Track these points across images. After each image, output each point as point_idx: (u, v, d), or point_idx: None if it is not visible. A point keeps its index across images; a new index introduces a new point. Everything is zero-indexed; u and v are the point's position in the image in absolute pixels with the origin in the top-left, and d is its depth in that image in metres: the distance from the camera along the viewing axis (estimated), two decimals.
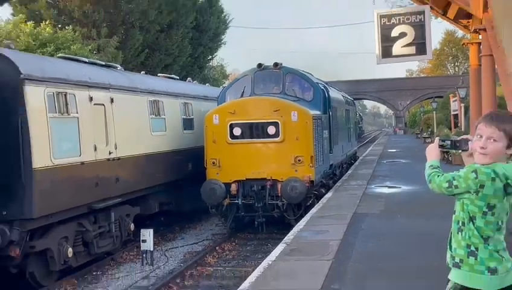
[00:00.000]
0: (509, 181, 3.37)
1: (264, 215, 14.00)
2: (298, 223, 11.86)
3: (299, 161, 13.73)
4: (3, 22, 24.62)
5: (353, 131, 27.71)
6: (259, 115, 13.95)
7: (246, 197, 13.96)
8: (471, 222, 3.46)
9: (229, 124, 13.94)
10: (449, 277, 3.58)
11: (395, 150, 36.60)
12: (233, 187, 13.82)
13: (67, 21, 28.18)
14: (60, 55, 14.64)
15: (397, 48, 11.01)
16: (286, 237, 10.53)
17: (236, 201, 13.91)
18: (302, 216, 12.82)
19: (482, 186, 3.38)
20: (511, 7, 8.06)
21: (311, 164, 13.90)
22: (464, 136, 3.65)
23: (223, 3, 41.57)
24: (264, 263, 8.72)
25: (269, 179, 13.73)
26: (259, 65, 15.83)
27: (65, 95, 11.08)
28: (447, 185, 3.49)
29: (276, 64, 15.77)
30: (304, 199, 13.70)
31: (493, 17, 9.32)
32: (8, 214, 9.62)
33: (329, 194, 16.06)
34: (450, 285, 3.55)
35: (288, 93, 15.67)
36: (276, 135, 13.79)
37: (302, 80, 16.47)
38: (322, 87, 16.83)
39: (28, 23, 22.79)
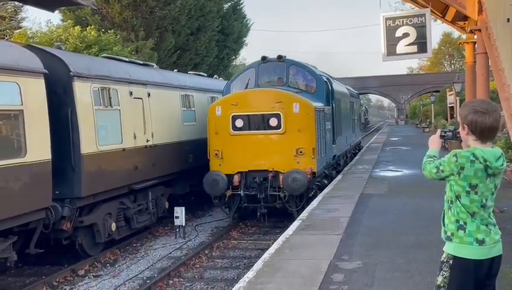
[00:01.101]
0: (487, 163, 3.36)
1: (266, 206, 12.62)
2: (311, 203, 11.81)
3: (301, 152, 12.37)
4: (54, 26, 24.82)
5: (357, 122, 25.62)
6: (261, 107, 12.61)
7: (248, 188, 12.57)
8: (457, 200, 3.48)
9: (231, 116, 12.61)
10: (443, 249, 3.59)
11: (397, 139, 36.29)
12: (236, 179, 12.52)
13: (109, 26, 28.34)
14: (103, 55, 14.72)
15: (401, 47, 10.87)
16: (301, 214, 10.55)
17: (239, 192, 12.55)
18: (303, 208, 11.53)
19: (462, 168, 3.39)
20: (503, 10, 7.93)
21: (313, 156, 12.52)
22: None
23: (245, 10, 41.51)
24: (282, 237, 8.75)
25: (271, 171, 12.41)
26: (263, 58, 14.45)
27: (108, 90, 11.16)
28: (435, 170, 3.53)
29: (279, 57, 14.37)
30: (305, 190, 12.32)
31: (487, 19, 9.18)
32: (60, 193, 9.73)
33: (338, 177, 15.99)
34: (444, 255, 3.57)
35: (291, 85, 14.28)
36: (278, 126, 12.43)
37: (305, 72, 14.87)
38: (325, 80, 15.23)
39: (75, 27, 22.94)
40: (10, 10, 31.60)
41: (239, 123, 12.59)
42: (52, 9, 15.80)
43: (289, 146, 12.42)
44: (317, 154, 12.73)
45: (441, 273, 3.53)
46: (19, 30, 29.00)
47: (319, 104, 13.69)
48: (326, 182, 14.50)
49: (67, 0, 14.70)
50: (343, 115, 18.63)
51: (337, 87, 17.77)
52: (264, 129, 12.59)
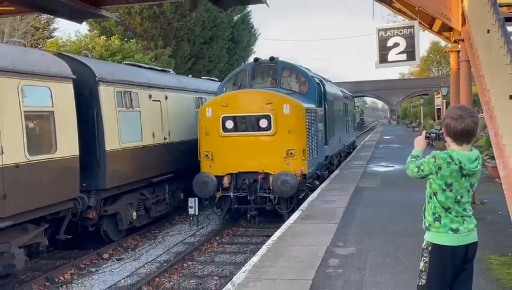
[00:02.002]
0: (462, 165, 3.37)
1: (257, 208, 11.43)
2: (311, 194, 11.77)
3: (291, 154, 11.12)
4: (82, 36, 24.94)
5: (351, 122, 23.75)
6: (251, 108, 11.32)
7: (238, 190, 11.35)
8: (434, 196, 3.50)
9: (221, 117, 11.38)
10: (424, 237, 3.62)
11: (389, 137, 36.16)
12: (226, 180, 11.33)
13: (131, 35, 28.46)
14: (125, 62, 14.78)
15: (392, 55, 10.82)
16: (301, 206, 10.53)
17: (229, 194, 11.38)
18: (294, 210, 10.48)
19: (439, 168, 3.40)
20: (484, 22, 7.90)
21: (303, 157, 11.26)
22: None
23: (253, 21, 41.50)
24: (285, 225, 8.76)
25: (261, 173, 11.19)
26: (256, 59, 13.25)
27: (130, 94, 11.21)
28: (416, 169, 3.55)
29: (272, 59, 13.04)
30: (295, 192, 11.07)
31: (470, 30, 9.15)
32: (87, 185, 9.81)
33: (336, 172, 15.95)
34: (424, 243, 3.60)
35: (283, 86, 12.98)
36: (268, 128, 11.17)
37: (297, 73, 13.53)
38: (318, 81, 13.83)
39: (101, 37, 23.05)
40: (43, 21, 31.73)
41: (229, 124, 11.42)
42: (80, 21, 15.90)
43: (279, 148, 11.22)
44: (308, 156, 11.57)
45: (422, 259, 3.56)
46: (51, 39, 29.13)
47: (311, 106, 12.51)
48: (317, 183, 13.21)
49: (94, 13, 14.74)
50: (337, 116, 17.24)
51: (330, 89, 16.46)
52: (254, 130, 11.35)
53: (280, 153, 11.20)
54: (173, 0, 19.80)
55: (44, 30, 31.86)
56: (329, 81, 18.65)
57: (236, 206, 11.56)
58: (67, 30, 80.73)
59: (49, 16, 26.27)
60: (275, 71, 13.19)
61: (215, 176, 11.35)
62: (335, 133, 16.37)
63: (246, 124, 11.46)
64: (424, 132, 3.89)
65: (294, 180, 10.84)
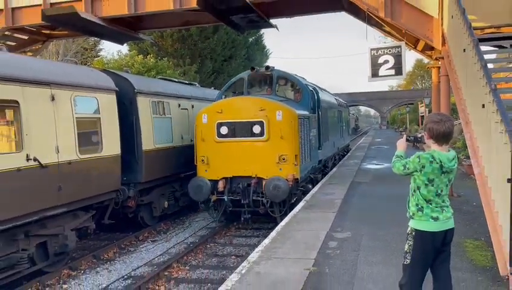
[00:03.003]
0: (442, 164, 3.38)
1: (250, 211, 10.14)
2: (314, 188, 11.73)
3: (284, 159, 9.82)
4: (123, 55, 25.19)
5: (345, 128, 21.86)
6: (245, 115, 10.03)
7: (233, 193, 10.07)
8: (418, 190, 3.49)
9: (216, 123, 10.15)
10: (409, 224, 3.61)
11: (380, 140, 35.90)
12: (221, 184, 10.09)
13: (163, 54, 28.65)
14: (159, 77, 14.89)
15: (382, 71, 10.78)
16: (305, 197, 10.52)
17: (223, 197, 10.09)
18: (286, 214, 9.44)
19: (423, 166, 3.40)
20: (461, 43, 7.84)
21: (295, 162, 9.93)
22: (423, 134, 3.68)
23: (265, 42, 41.56)
24: (291, 214, 8.77)
25: (254, 177, 9.93)
26: (253, 68, 12.05)
27: (163, 103, 11.29)
28: (402, 168, 3.53)
29: (267, 68, 11.94)
30: (287, 196, 9.74)
31: (449, 50, 9.08)
32: (127, 179, 9.90)
33: (334, 169, 15.88)
34: (408, 229, 3.59)
35: (278, 94, 11.66)
36: (261, 134, 9.89)
37: (292, 82, 12.15)
38: (311, 89, 12.48)
39: (139, 56, 23.25)
40: (91, 43, 32.20)
41: (224, 130, 10.15)
42: (121, 43, 16.12)
43: (272, 153, 9.92)
44: (300, 161, 10.22)
45: (407, 242, 3.56)
46: (97, 58, 29.52)
47: (304, 112, 11.11)
48: (310, 186, 11.75)
49: (133, 36, 14.94)
50: (331, 122, 15.64)
51: (324, 96, 14.91)
52: (248, 136, 10.03)
53: (273, 158, 9.92)
54: (198, 25, 19.88)
55: (92, 50, 32.31)
56: (325, 90, 17.22)
57: (230, 209, 10.29)
58: (111, 50, 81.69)
59: (96, 38, 26.63)
60: (270, 79, 11.92)
61: (211, 180, 10.17)
62: (329, 138, 15.03)
63: (240, 129, 10.13)
64: (404, 136, 3.91)
65: (286, 185, 9.58)
